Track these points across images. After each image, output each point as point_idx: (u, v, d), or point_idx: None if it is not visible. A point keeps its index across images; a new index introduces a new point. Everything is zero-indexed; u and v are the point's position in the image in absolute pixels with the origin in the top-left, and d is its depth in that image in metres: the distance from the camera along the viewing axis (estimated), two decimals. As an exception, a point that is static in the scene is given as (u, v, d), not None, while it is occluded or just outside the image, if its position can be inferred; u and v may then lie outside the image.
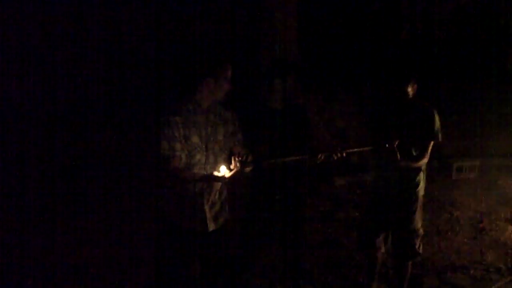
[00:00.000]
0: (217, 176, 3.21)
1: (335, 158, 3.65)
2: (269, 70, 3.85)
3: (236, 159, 3.17)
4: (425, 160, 3.91)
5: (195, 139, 3.31)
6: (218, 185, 3.45)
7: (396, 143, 3.68)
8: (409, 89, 3.72)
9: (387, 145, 3.71)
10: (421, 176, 3.99)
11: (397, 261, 4.22)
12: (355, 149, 3.82)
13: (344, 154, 3.67)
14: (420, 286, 4.54)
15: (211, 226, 3.46)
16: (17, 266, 4.68)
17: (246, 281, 4.18)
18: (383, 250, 4.30)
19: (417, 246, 4.06)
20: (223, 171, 3.18)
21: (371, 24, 10.88)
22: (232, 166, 3.18)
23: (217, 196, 3.48)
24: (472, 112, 9.57)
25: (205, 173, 3.30)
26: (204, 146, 3.34)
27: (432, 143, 3.88)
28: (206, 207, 3.42)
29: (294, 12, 7.39)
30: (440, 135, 3.87)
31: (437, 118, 3.86)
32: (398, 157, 3.72)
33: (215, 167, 3.26)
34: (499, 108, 9.43)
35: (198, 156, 3.32)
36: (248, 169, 3.29)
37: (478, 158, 7.81)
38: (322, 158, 3.64)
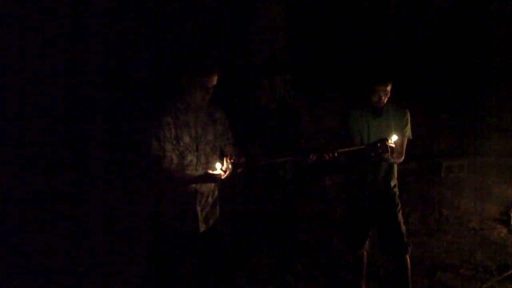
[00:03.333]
0: (213, 174, 3.12)
1: (327, 158, 3.64)
2: (258, 69, 3.83)
3: (228, 160, 3.13)
4: (403, 157, 4.02)
5: (186, 139, 3.26)
6: (210, 186, 3.41)
7: (388, 142, 3.69)
8: (387, 90, 3.78)
9: (378, 145, 3.72)
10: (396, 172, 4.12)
11: (395, 258, 4.21)
12: (347, 149, 3.81)
13: (336, 154, 3.66)
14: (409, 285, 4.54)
15: (202, 227, 3.43)
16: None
17: (237, 281, 4.16)
18: (367, 248, 4.30)
19: (405, 240, 4.09)
20: (219, 169, 3.11)
21: (360, 24, 10.90)
22: (224, 168, 3.12)
23: (209, 197, 3.45)
24: (461, 111, 9.63)
25: (197, 174, 3.26)
26: (195, 147, 3.30)
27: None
28: (198, 208, 3.39)
29: (283, 12, 7.40)
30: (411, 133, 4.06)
31: (409, 117, 4.02)
32: (389, 155, 3.73)
33: (207, 167, 3.21)
34: (487, 107, 9.48)
35: (189, 157, 3.28)
36: (240, 170, 3.25)
37: (467, 157, 7.85)
38: (314, 158, 3.63)
